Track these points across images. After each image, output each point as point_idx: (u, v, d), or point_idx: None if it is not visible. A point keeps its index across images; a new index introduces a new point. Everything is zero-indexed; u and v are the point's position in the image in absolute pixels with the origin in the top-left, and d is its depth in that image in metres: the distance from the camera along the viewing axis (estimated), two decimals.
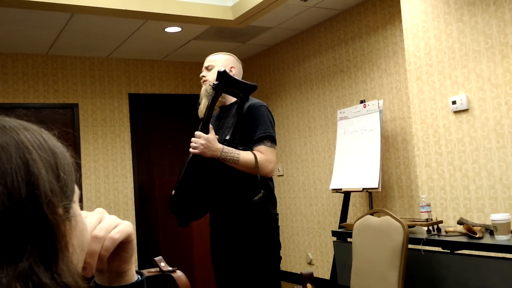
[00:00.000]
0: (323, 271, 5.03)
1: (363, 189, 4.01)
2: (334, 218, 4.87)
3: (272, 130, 2.38)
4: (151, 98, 5.98)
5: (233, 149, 2.27)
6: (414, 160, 4.00)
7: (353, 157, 4.20)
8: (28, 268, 0.47)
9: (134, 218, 5.63)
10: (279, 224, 2.48)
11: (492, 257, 2.59)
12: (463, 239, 2.69)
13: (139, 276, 0.74)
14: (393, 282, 2.65)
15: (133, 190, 5.69)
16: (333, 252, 3.79)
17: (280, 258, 2.44)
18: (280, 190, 5.70)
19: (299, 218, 5.43)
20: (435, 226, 2.94)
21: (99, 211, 0.67)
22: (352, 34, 4.71)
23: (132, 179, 5.70)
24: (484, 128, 3.12)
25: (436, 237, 2.81)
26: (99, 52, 5.52)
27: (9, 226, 0.47)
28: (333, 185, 4.35)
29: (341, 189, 4.26)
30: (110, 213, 0.68)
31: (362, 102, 4.33)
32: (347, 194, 4.38)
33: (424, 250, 2.79)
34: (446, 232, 2.84)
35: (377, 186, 3.88)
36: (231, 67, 2.48)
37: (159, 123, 6.04)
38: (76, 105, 5.52)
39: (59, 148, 0.57)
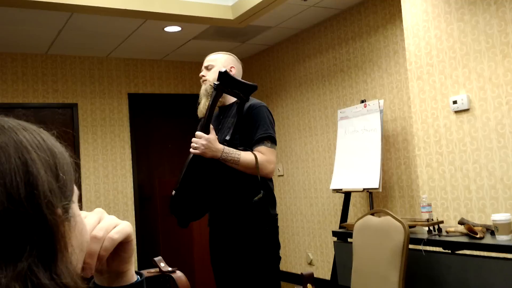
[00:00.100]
0: (324, 272, 5.02)
1: (364, 189, 4.01)
2: (335, 218, 4.86)
3: (272, 130, 2.37)
4: (151, 98, 5.97)
5: (234, 150, 2.27)
6: (414, 160, 4.00)
7: (353, 157, 4.20)
8: (27, 269, 0.47)
9: (133, 219, 5.62)
10: (278, 224, 2.47)
11: (493, 257, 2.59)
12: (464, 239, 2.69)
13: (138, 276, 0.74)
14: (393, 282, 2.64)
15: (132, 190, 5.68)
16: (334, 252, 3.78)
17: (280, 258, 2.43)
18: (280, 190, 5.69)
19: (300, 218, 5.43)
20: (436, 226, 2.94)
21: (98, 211, 0.67)
22: (353, 33, 4.70)
23: (131, 179, 5.69)
24: (485, 128, 3.12)
25: (437, 237, 2.81)
26: (98, 52, 5.52)
27: (8, 226, 0.47)
28: (334, 185, 4.34)
29: (341, 189, 4.25)
30: (109, 213, 0.68)
31: (362, 102, 4.33)
32: (347, 194, 4.37)
33: (425, 250, 2.78)
34: (447, 232, 2.84)
35: (377, 186, 3.88)
36: (231, 67, 2.48)
37: (158, 123, 6.03)
38: (76, 105, 5.51)
39: (58, 148, 0.57)
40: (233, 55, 2.58)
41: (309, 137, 5.27)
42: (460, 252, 2.75)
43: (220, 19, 4.48)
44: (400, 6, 3.73)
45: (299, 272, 5.33)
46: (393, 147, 4.28)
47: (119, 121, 5.72)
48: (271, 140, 2.36)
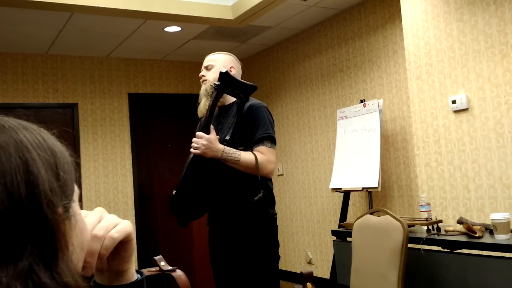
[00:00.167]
0: (323, 271, 5.03)
1: (363, 188, 4.02)
2: (334, 218, 4.87)
3: (272, 130, 2.38)
4: (151, 97, 5.98)
5: (234, 150, 2.28)
6: (414, 160, 4.01)
7: (353, 157, 4.21)
8: (28, 268, 0.47)
9: (133, 218, 5.63)
10: (278, 224, 2.48)
11: (492, 256, 2.59)
12: (463, 238, 2.69)
13: (139, 275, 0.74)
14: (393, 281, 2.65)
15: (132, 189, 5.69)
16: (333, 252, 3.79)
17: (279, 257, 2.44)
18: (280, 190, 5.70)
19: (299, 217, 5.44)
20: (435, 226, 2.95)
21: (99, 211, 0.67)
22: (352, 33, 4.71)
23: (131, 179, 5.70)
24: (484, 127, 3.12)
25: (436, 237, 2.81)
26: (98, 52, 5.52)
27: (8, 225, 0.47)
28: (333, 185, 4.35)
29: (340, 188, 4.26)
30: (109, 212, 0.68)
31: (362, 101, 4.33)
32: (346, 194, 4.38)
33: (424, 250, 2.79)
34: (446, 231, 2.84)
35: (376, 186, 3.89)
36: (230, 67, 2.48)
37: (158, 122, 6.04)
38: (76, 104, 5.52)
39: (59, 147, 0.57)
40: (233, 55, 2.59)
41: (308, 136, 5.28)
42: (459, 251, 2.75)
43: (220, 19, 4.49)
44: (400, 6, 3.74)
45: (298, 271, 5.34)
46: (392, 147, 4.29)
47: (119, 121, 5.72)
48: (271, 140, 2.37)
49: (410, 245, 2.74)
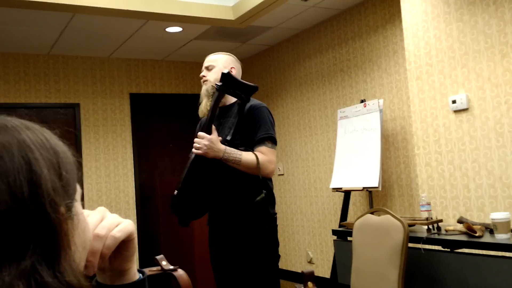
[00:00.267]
0: (323, 270, 5.04)
1: (363, 188, 4.02)
2: (335, 217, 4.88)
3: (272, 131, 2.40)
4: (152, 97, 5.99)
5: (235, 150, 2.29)
6: (414, 159, 4.01)
7: (353, 156, 4.21)
8: (31, 267, 0.47)
9: (135, 217, 5.65)
10: (278, 223, 2.50)
11: (492, 255, 2.60)
12: (463, 237, 2.70)
13: (140, 274, 0.74)
14: (393, 280, 2.66)
15: (134, 189, 5.71)
16: (334, 251, 3.80)
17: (279, 256, 2.45)
18: (280, 189, 5.71)
19: (300, 217, 5.45)
20: (435, 225, 2.95)
21: (101, 210, 0.67)
22: (352, 33, 4.71)
23: (133, 178, 5.72)
24: (484, 127, 3.13)
25: (436, 236, 2.82)
26: (100, 52, 5.54)
27: (11, 225, 0.47)
28: (334, 184, 4.36)
29: (341, 188, 4.27)
30: (111, 212, 0.68)
31: (362, 101, 4.34)
32: (347, 193, 4.39)
33: (424, 249, 2.80)
34: (446, 230, 2.85)
35: (377, 185, 3.89)
36: (231, 68, 2.49)
37: (160, 122, 6.05)
38: (78, 104, 5.54)
39: (61, 147, 0.57)
40: (233, 55, 2.60)
41: (309, 136, 5.29)
42: (459, 250, 2.76)
43: (221, 20, 4.50)
44: (400, 6, 3.74)
45: (299, 271, 5.35)
46: (393, 146, 4.30)
47: (121, 121, 5.74)
48: (272, 141, 2.38)
49: (410, 245, 2.75)
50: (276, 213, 2.46)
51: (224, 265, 2.45)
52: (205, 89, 2.48)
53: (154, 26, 4.70)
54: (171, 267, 1.76)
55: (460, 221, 2.87)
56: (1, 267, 0.46)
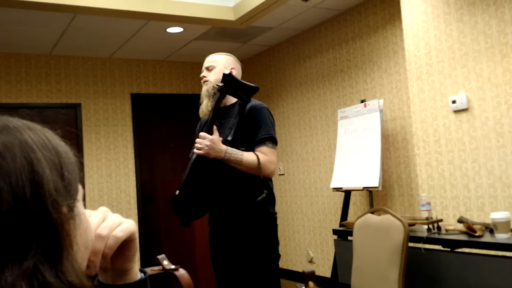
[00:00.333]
0: (324, 269, 5.05)
1: (364, 188, 4.03)
2: (335, 217, 4.89)
3: (273, 131, 2.41)
4: (153, 98, 6.00)
5: (237, 150, 2.30)
6: (414, 159, 4.02)
7: (353, 156, 4.22)
8: (33, 267, 0.47)
9: (136, 217, 5.66)
10: (278, 223, 2.51)
11: (492, 255, 2.61)
12: (463, 237, 2.70)
13: (142, 274, 0.73)
14: (393, 280, 2.66)
15: (135, 189, 5.72)
16: (334, 251, 3.81)
17: (279, 255, 2.46)
18: (281, 189, 5.72)
19: (300, 216, 5.45)
20: (435, 225, 2.96)
21: (103, 210, 0.67)
22: (353, 34, 4.72)
23: (134, 178, 5.73)
24: (484, 127, 3.14)
25: (436, 236, 2.82)
26: (101, 52, 5.55)
27: (14, 225, 0.48)
28: (334, 184, 4.36)
29: (341, 188, 4.27)
30: (112, 212, 0.68)
31: (362, 101, 4.35)
32: (347, 193, 4.39)
33: (425, 249, 2.80)
34: (446, 230, 2.86)
35: (377, 185, 3.90)
36: (231, 68, 2.50)
37: (161, 122, 6.07)
38: (79, 105, 5.55)
39: (63, 147, 0.57)
40: (233, 56, 2.60)
41: (309, 136, 5.30)
42: (459, 250, 2.77)
43: (222, 20, 4.50)
44: (400, 7, 3.75)
45: (299, 270, 5.36)
46: (393, 146, 4.31)
47: (122, 121, 5.75)
48: (272, 141, 2.39)
49: (410, 244, 2.76)
50: (276, 213, 2.47)
51: (225, 264, 2.46)
52: (205, 89, 2.49)
53: (155, 27, 4.71)
54: (173, 266, 1.77)
55: (460, 220, 2.88)
56: (3, 267, 0.46)
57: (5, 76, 5.22)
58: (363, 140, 4.15)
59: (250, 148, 2.36)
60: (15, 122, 0.55)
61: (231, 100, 2.49)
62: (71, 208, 0.54)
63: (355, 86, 4.70)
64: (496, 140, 3.07)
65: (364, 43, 4.59)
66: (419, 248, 2.80)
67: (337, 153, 4.45)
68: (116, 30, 4.77)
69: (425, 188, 3.49)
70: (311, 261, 5.30)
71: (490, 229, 2.75)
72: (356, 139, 4.23)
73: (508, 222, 2.59)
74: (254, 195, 2.31)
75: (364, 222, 2.96)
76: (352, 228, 3.07)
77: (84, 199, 0.61)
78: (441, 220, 3.06)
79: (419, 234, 2.89)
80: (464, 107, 3.22)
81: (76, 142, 5.42)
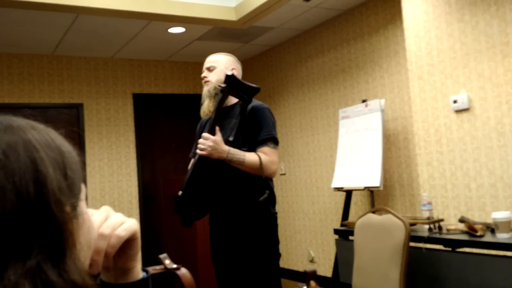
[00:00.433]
0: (325, 269, 5.05)
1: (365, 187, 4.03)
2: (336, 217, 4.89)
3: (274, 131, 2.41)
4: (155, 98, 6.02)
5: (239, 151, 2.31)
6: (415, 159, 4.02)
7: (355, 156, 4.22)
8: (36, 266, 0.47)
9: (138, 217, 5.67)
10: (279, 222, 2.52)
11: (493, 255, 2.61)
12: (464, 237, 2.71)
13: (144, 273, 0.74)
14: (394, 279, 2.67)
15: (137, 188, 5.73)
16: (335, 250, 3.81)
17: (280, 254, 2.47)
18: (282, 189, 5.73)
19: (301, 216, 5.46)
20: (437, 224, 2.96)
21: (105, 209, 0.67)
22: (354, 34, 4.72)
23: (136, 178, 5.74)
24: (485, 127, 3.14)
25: (438, 235, 2.83)
26: (103, 53, 5.56)
27: (17, 224, 0.48)
28: (335, 184, 4.37)
29: (343, 187, 4.28)
30: (114, 211, 0.68)
31: (364, 101, 4.35)
32: (349, 193, 4.40)
33: (426, 248, 2.81)
34: (448, 230, 2.86)
35: (378, 185, 3.90)
36: (232, 68, 2.51)
37: (163, 122, 6.08)
38: (81, 105, 5.56)
39: (66, 146, 0.57)
40: (233, 56, 2.61)
41: (311, 136, 5.30)
42: (461, 250, 2.77)
43: (224, 20, 4.51)
44: (401, 7, 3.75)
45: (301, 270, 5.37)
46: (394, 146, 4.31)
47: (124, 121, 5.77)
48: (274, 141, 2.40)
49: (411, 244, 2.76)
50: (276, 212, 2.48)
51: (226, 264, 2.47)
52: (206, 89, 2.49)
53: (157, 27, 4.72)
54: (174, 266, 1.78)
55: (461, 220, 2.88)
56: (7, 266, 0.47)
57: (8, 76, 5.24)
58: (364, 140, 4.15)
59: (252, 148, 2.37)
60: (19, 121, 0.55)
61: (232, 100, 2.49)
62: (74, 207, 0.55)
63: (356, 86, 4.71)
64: (497, 139, 3.07)
65: (365, 43, 4.59)
66: (420, 248, 2.81)
67: (338, 153, 4.46)
68: (118, 30, 4.78)
69: (426, 188, 3.49)
70: (312, 261, 5.30)
71: (491, 229, 2.75)
72: (358, 139, 4.24)
73: (509, 222, 2.59)
74: (256, 195, 2.32)
75: (365, 221, 2.96)
76: (353, 228, 3.08)
77: (86, 199, 0.61)
78: (442, 220, 3.06)
79: (420, 234, 2.89)
80: (465, 107, 3.23)
81: (78, 142, 5.44)
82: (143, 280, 0.73)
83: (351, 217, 4.43)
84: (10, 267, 0.47)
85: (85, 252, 0.58)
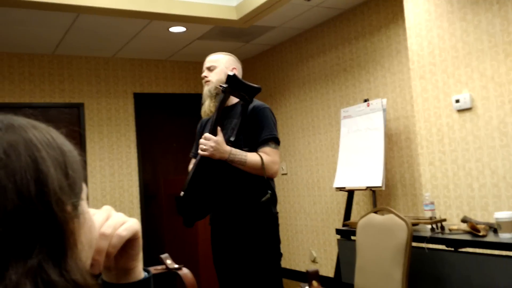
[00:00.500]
0: (327, 269, 5.04)
1: (367, 187, 4.02)
2: (338, 217, 4.88)
3: (276, 131, 2.41)
4: (156, 97, 6.01)
5: (241, 151, 2.30)
6: (417, 159, 4.01)
7: (356, 156, 4.21)
8: (37, 265, 0.47)
9: (139, 217, 5.67)
10: (281, 222, 2.51)
11: (496, 255, 2.60)
12: (467, 237, 2.70)
13: (146, 273, 0.74)
14: (397, 279, 2.66)
15: (138, 188, 5.73)
16: (337, 250, 3.80)
17: (281, 254, 2.46)
18: (284, 189, 5.72)
19: (303, 216, 5.45)
20: (439, 224, 2.95)
21: (107, 209, 0.67)
22: (356, 33, 4.71)
23: (137, 178, 5.73)
24: (487, 126, 3.13)
25: (440, 235, 2.82)
26: (104, 52, 5.56)
27: (18, 223, 0.48)
28: (337, 184, 4.36)
29: (344, 187, 4.27)
30: (115, 211, 0.68)
31: (365, 101, 4.34)
32: (350, 193, 4.39)
33: (428, 248, 2.80)
34: (450, 230, 2.85)
35: (380, 185, 3.89)
36: (233, 68, 2.50)
37: (164, 122, 6.07)
38: (82, 104, 5.56)
39: (67, 146, 0.57)
40: (233, 55, 2.60)
41: (312, 136, 5.29)
42: (463, 250, 2.76)
43: (224, 20, 4.51)
44: (403, 6, 3.74)
45: (303, 270, 5.35)
46: (396, 146, 4.30)
47: (125, 121, 5.76)
48: (275, 141, 2.40)
49: (414, 244, 2.75)
50: (277, 212, 2.47)
51: (227, 264, 2.46)
52: (207, 89, 2.49)
53: (158, 26, 4.72)
54: (176, 266, 1.77)
55: (464, 220, 2.87)
56: (8, 265, 0.46)
57: (9, 76, 5.24)
58: (366, 140, 4.14)
59: (253, 148, 2.36)
60: (20, 120, 0.55)
61: (233, 100, 2.48)
62: (76, 207, 0.54)
63: (358, 85, 4.69)
64: (500, 139, 3.06)
65: (367, 42, 4.58)
66: (423, 248, 2.80)
67: (340, 152, 4.45)
68: (119, 30, 4.77)
69: (428, 188, 3.48)
70: (314, 261, 5.29)
71: (494, 228, 2.74)
72: (359, 139, 4.23)
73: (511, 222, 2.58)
74: (258, 195, 2.32)
75: (368, 221, 2.95)
76: (355, 228, 3.07)
77: (87, 199, 0.61)
78: (444, 220, 3.05)
79: (422, 234, 2.89)
80: (468, 106, 3.21)
81: (79, 141, 5.43)
82: (144, 280, 0.73)
83: (353, 217, 4.42)
84: (11, 266, 0.46)
85: (86, 251, 0.58)
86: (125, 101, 5.79)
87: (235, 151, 2.29)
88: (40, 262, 0.48)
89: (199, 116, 2.58)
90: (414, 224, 2.89)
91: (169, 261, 1.76)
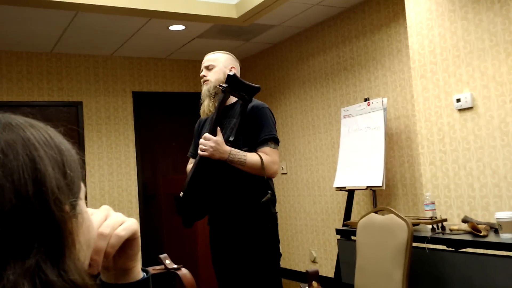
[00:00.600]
0: (327, 269, 5.03)
1: (367, 187, 4.01)
2: (338, 216, 4.87)
3: (275, 131, 2.40)
4: (155, 96, 5.99)
5: (240, 151, 2.29)
6: (418, 158, 4.00)
7: (357, 155, 4.20)
8: (35, 265, 0.47)
9: (138, 216, 5.65)
10: (280, 222, 2.50)
11: (497, 255, 2.59)
12: (468, 237, 2.69)
13: (144, 273, 0.74)
14: (397, 280, 2.65)
15: (137, 188, 5.71)
16: (337, 250, 3.79)
17: (280, 254, 2.46)
18: (283, 188, 5.70)
19: (303, 216, 5.44)
20: (440, 224, 2.94)
21: (105, 209, 0.67)
22: (356, 32, 4.70)
23: (136, 177, 5.72)
24: (488, 126, 3.12)
25: (441, 235, 2.81)
26: (103, 50, 5.54)
27: (16, 223, 0.47)
28: (337, 183, 4.34)
29: (345, 187, 4.26)
30: (114, 211, 0.68)
31: (366, 100, 4.33)
32: (351, 192, 4.38)
33: (429, 248, 2.79)
34: (451, 230, 2.84)
35: (381, 184, 3.88)
36: (231, 67, 2.49)
37: (163, 121, 6.05)
38: (80, 103, 5.54)
39: (66, 145, 0.57)
40: (231, 54, 2.59)
41: (312, 135, 5.28)
42: (464, 250, 2.75)
43: (224, 18, 4.49)
44: (404, 4, 3.73)
45: (302, 270, 5.34)
46: (397, 145, 4.29)
47: (124, 119, 5.74)
48: (275, 141, 2.39)
49: (414, 244, 2.74)
50: (277, 212, 2.47)
51: (226, 264, 2.45)
52: (206, 89, 2.47)
53: (157, 24, 4.70)
54: (175, 266, 1.76)
55: (464, 220, 2.86)
56: (6, 265, 0.46)
57: (7, 74, 5.22)
58: (367, 139, 4.13)
59: (252, 148, 2.35)
60: (18, 119, 0.55)
61: (232, 99, 2.47)
62: (74, 206, 0.54)
63: (358, 84, 4.68)
64: (501, 139, 3.05)
65: (367, 41, 4.57)
66: (423, 248, 2.79)
67: (340, 152, 4.44)
68: (118, 28, 4.75)
69: (429, 188, 3.47)
70: (314, 261, 5.28)
71: (494, 229, 2.73)
72: (360, 138, 4.21)
73: None
74: (257, 195, 2.31)
75: (368, 221, 2.94)
76: (355, 228, 3.06)
77: (85, 198, 0.61)
78: (445, 220, 3.04)
79: (423, 234, 2.87)
80: (469, 105, 3.20)
81: (77, 140, 5.41)
82: (143, 280, 0.73)
83: (353, 217, 4.41)
84: (9, 266, 0.46)
85: (84, 251, 0.58)
86: (124, 99, 5.78)
87: (235, 151, 2.28)
88: (38, 262, 0.47)
89: (199, 115, 2.57)
90: (414, 224, 2.88)
91: (168, 261, 1.74)
